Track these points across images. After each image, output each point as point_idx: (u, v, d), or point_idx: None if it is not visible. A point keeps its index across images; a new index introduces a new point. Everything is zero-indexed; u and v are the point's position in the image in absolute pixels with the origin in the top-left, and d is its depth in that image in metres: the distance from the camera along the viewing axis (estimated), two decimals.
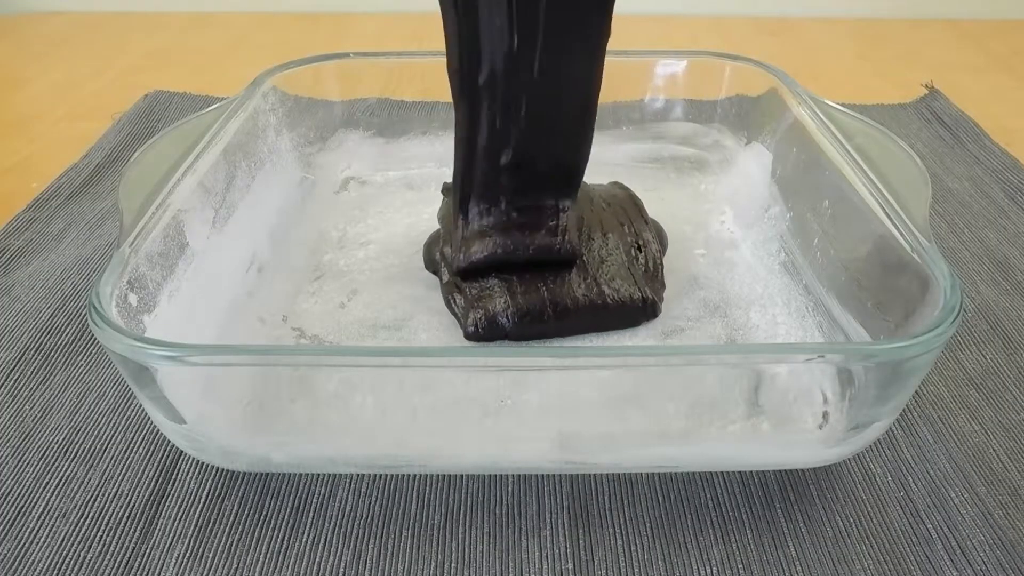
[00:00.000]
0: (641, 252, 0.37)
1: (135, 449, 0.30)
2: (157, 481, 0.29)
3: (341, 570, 0.26)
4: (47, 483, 0.29)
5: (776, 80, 0.42)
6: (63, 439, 0.31)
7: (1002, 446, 0.31)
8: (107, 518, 0.28)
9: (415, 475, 0.29)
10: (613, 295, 0.34)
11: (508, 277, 0.35)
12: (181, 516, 0.28)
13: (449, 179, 0.43)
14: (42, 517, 0.28)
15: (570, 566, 0.26)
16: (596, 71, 0.32)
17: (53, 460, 0.30)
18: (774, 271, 0.38)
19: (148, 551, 0.27)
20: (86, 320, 0.33)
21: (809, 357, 0.25)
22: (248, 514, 0.28)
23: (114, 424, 0.31)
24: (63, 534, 0.27)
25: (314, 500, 0.29)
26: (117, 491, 0.29)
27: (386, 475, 0.29)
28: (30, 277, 0.40)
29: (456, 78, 0.32)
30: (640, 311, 0.35)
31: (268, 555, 0.27)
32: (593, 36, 0.31)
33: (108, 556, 0.27)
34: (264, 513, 0.28)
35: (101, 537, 0.27)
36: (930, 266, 0.27)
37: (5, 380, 0.33)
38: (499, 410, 0.27)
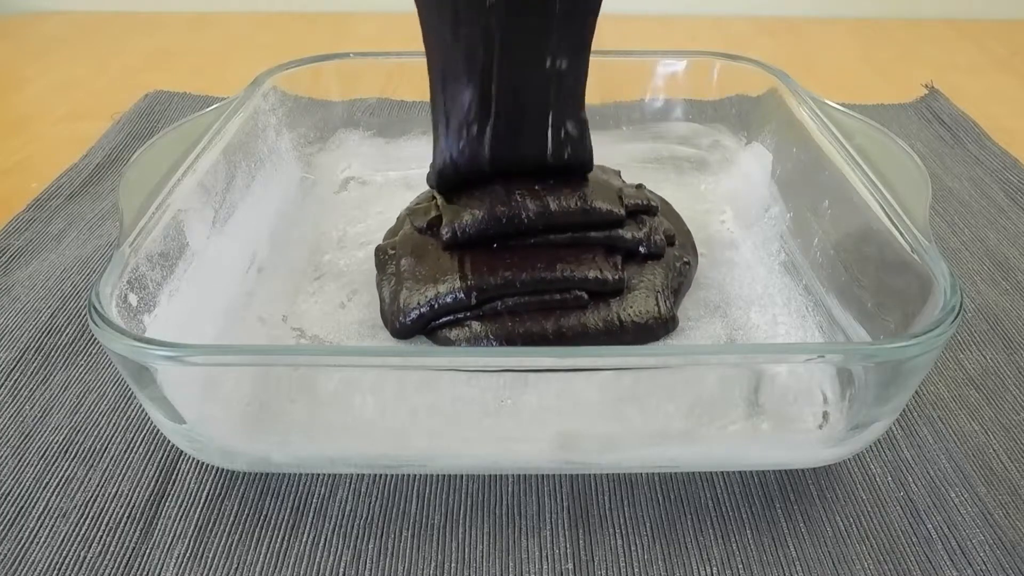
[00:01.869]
0: (686, 270, 0.37)
1: (135, 449, 0.30)
2: (157, 481, 0.29)
3: (341, 570, 0.26)
4: (47, 483, 0.29)
5: (776, 80, 0.42)
6: (63, 439, 0.31)
7: (1002, 446, 0.31)
8: (107, 518, 0.28)
9: (415, 475, 0.29)
10: (633, 327, 0.33)
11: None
12: (181, 516, 0.28)
13: None
14: (42, 517, 0.28)
15: (570, 566, 0.26)
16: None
17: (53, 460, 0.30)
18: (774, 271, 0.37)
19: (148, 551, 0.27)
20: (86, 320, 0.33)
21: (809, 357, 0.25)
22: (248, 514, 0.28)
23: (114, 424, 0.31)
24: (63, 534, 0.27)
25: (314, 500, 0.29)
26: (117, 491, 0.29)
27: (386, 475, 0.29)
28: (30, 277, 0.40)
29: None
30: (662, 330, 0.34)
31: (268, 555, 0.27)
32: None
33: (108, 556, 0.27)
34: (264, 513, 0.28)
35: (101, 537, 0.27)
36: (930, 266, 0.27)
37: (5, 380, 0.33)
38: (499, 410, 0.27)
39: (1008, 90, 0.64)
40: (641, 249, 0.35)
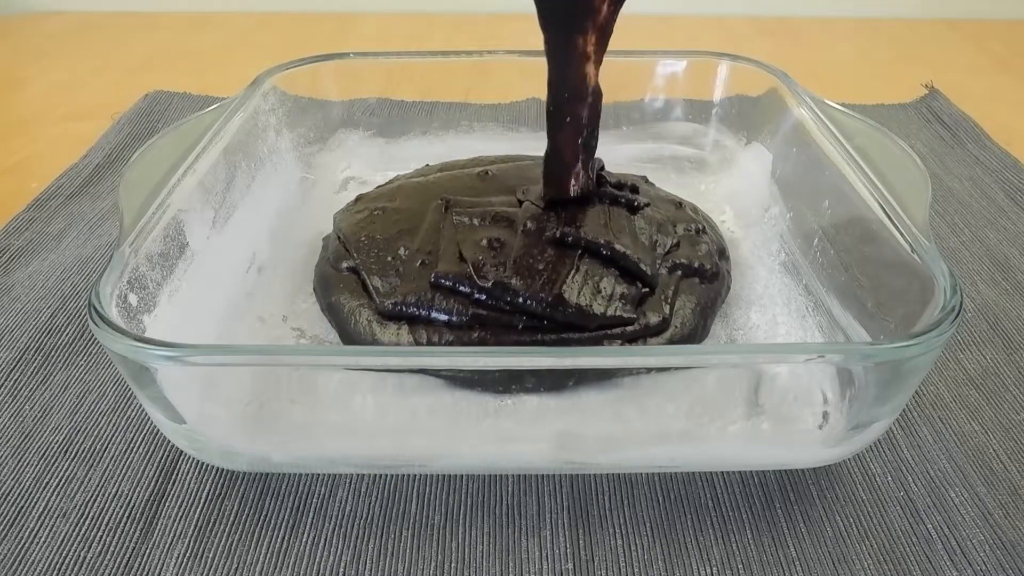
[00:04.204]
0: (730, 284, 0.36)
1: (135, 449, 0.30)
2: (157, 481, 0.29)
3: (341, 570, 0.26)
4: (47, 483, 0.29)
5: (776, 80, 0.42)
6: (63, 439, 0.31)
7: (1002, 446, 0.31)
8: (107, 518, 0.28)
9: (415, 475, 0.29)
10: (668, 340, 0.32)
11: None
12: (181, 516, 0.28)
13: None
14: (42, 517, 0.28)
15: (570, 566, 0.26)
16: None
17: (53, 460, 0.30)
18: (774, 271, 0.37)
19: (148, 551, 0.27)
20: (86, 320, 0.33)
21: (809, 357, 0.25)
22: (248, 514, 0.28)
23: (114, 424, 0.31)
24: (63, 534, 0.27)
25: (314, 500, 0.29)
26: (117, 491, 0.29)
27: (386, 475, 0.29)
28: (30, 277, 0.40)
29: None
30: (693, 343, 0.33)
31: (268, 555, 0.27)
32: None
33: (108, 556, 0.27)
34: (264, 513, 0.28)
35: (101, 537, 0.27)
36: (930, 266, 0.27)
37: (5, 380, 0.33)
38: (499, 410, 0.27)
39: (1008, 90, 0.64)
40: (699, 278, 0.35)
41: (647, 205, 0.37)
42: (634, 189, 0.38)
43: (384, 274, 0.34)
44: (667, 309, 0.32)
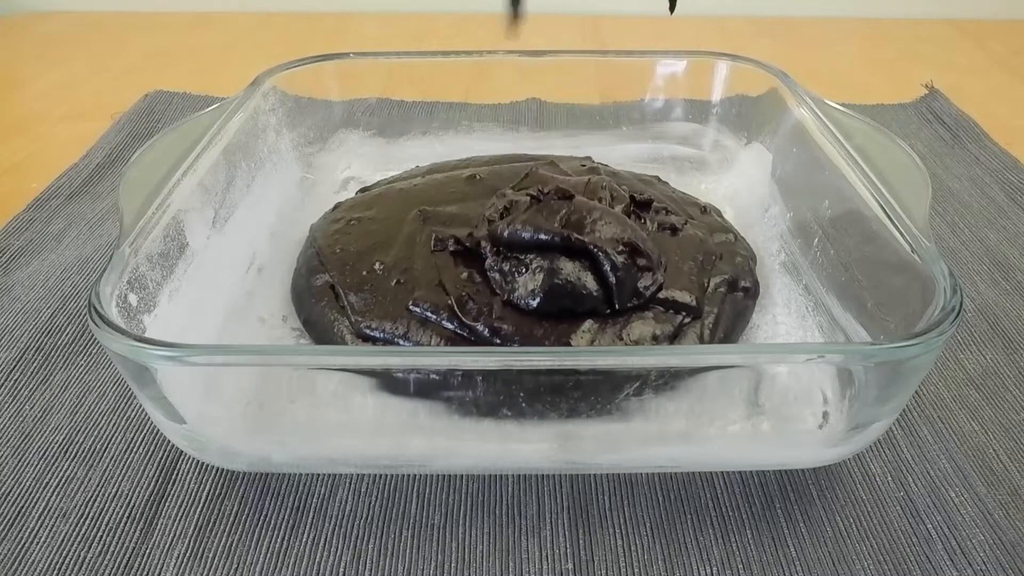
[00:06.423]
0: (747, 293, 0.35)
1: (135, 449, 0.30)
2: (157, 481, 0.29)
3: (341, 570, 0.26)
4: (47, 483, 0.29)
5: (776, 80, 0.42)
6: (63, 439, 0.31)
7: (1002, 446, 0.31)
8: (107, 518, 0.28)
9: (415, 475, 0.29)
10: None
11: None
12: (181, 516, 0.28)
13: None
14: (42, 517, 0.28)
15: (570, 566, 0.26)
16: None
17: (53, 460, 0.30)
18: (774, 271, 0.37)
19: (148, 551, 0.27)
20: (86, 320, 0.33)
21: (809, 357, 0.25)
22: (248, 514, 0.28)
23: (114, 424, 0.31)
24: (63, 534, 0.27)
25: (314, 500, 0.29)
26: (117, 491, 0.29)
27: (386, 475, 0.29)
28: (30, 277, 0.40)
29: None
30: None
31: (268, 555, 0.27)
32: None
33: (108, 556, 0.27)
34: (264, 513, 0.28)
35: (101, 537, 0.27)
36: (930, 266, 0.27)
37: (5, 380, 0.33)
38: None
39: (1008, 90, 0.64)
40: (743, 293, 0.34)
41: (686, 224, 0.36)
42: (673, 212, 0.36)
43: (359, 290, 0.33)
44: (708, 335, 0.32)
